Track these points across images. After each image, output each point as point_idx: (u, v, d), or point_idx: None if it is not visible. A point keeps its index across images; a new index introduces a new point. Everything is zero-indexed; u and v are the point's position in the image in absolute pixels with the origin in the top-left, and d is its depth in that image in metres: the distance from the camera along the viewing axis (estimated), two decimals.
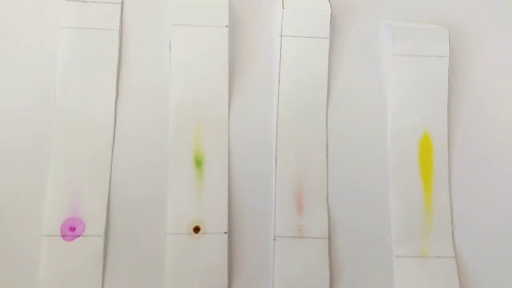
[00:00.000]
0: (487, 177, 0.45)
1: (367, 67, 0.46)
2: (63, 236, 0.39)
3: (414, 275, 0.42)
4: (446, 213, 0.43)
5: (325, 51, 0.44)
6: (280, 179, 0.42)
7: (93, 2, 0.43)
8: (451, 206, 0.44)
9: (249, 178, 0.42)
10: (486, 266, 0.43)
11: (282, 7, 0.44)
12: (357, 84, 0.45)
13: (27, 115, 0.42)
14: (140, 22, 0.44)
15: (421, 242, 0.42)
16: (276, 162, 0.43)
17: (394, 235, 0.42)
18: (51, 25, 0.43)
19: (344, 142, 0.44)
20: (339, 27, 0.46)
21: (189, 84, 0.43)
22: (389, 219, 0.43)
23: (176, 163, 0.41)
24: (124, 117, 0.42)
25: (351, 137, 0.44)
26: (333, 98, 0.45)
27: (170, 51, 0.43)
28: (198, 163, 0.42)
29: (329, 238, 0.42)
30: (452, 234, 0.43)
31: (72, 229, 0.40)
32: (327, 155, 0.43)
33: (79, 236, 0.40)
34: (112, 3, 0.44)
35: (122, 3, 0.44)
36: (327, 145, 0.44)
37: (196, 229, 0.40)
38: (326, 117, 0.44)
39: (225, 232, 0.41)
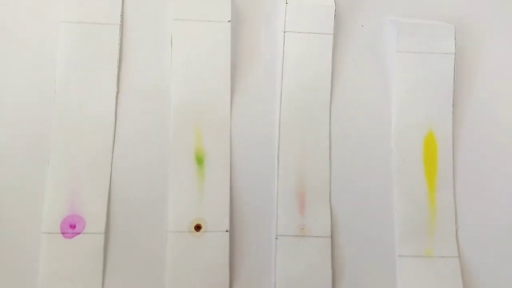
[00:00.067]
0: (492, 176, 0.44)
1: (372, 64, 0.45)
2: (63, 233, 0.39)
3: (417, 275, 0.41)
4: (450, 213, 0.43)
5: (329, 47, 0.44)
6: (282, 177, 0.42)
7: None
8: (455, 205, 0.43)
9: (251, 176, 0.42)
10: (490, 266, 0.43)
11: (286, 2, 0.44)
12: (361, 81, 0.45)
13: (27, 112, 0.41)
14: (141, 17, 0.44)
15: (425, 241, 0.42)
16: (278, 160, 0.42)
17: (398, 235, 0.42)
18: (51, 20, 0.42)
19: (347, 140, 0.44)
20: (343, 23, 0.45)
21: (191, 81, 0.42)
22: (391, 219, 0.43)
23: (177, 161, 0.41)
24: (124, 114, 0.42)
25: (354, 135, 0.44)
26: (337, 95, 0.44)
27: (171, 46, 0.43)
28: (200, 160, 0.41)
29: (331, 237, 0.42)
30: (456, 234, 0.43)
31: (72, 226, 0.39)
32: (330, 153, 0.43)
33: (79, 233, 0.39)
34: None
35: None
36: (330, 143, 0.43)
37: (198, 227, 0.40)
38: (329, 114, 0.44)
39: (226, 231, 0.40)
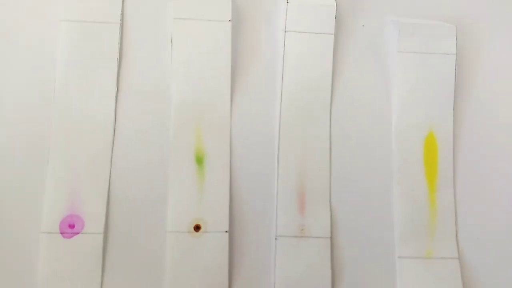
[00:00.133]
0: (492, 176, 0.44)
1: (372, 64, 0.45)
2: (62, 233, 0.39)
3: (417, 276, 0.41)
4: (450, 213, 0.43)
5: (329, 47, 0.44)
6: (282, 178, 0.42)
7: None
8: (455, 206, 0.43)
9: (250, 176, 0.42)
10: (490, 267, 0.43)
11: (287, 1, 0.44)
12: (362, 81, 0.45)
13: (27, 112, 0.41)
14: (142, 16, 0.44)
15: (426, 242, 0.42)
16: (278, 161, 0.42)
17: (398, 236, 0.42)
18: (51, 19, 0.42)
19: (347, 140, 0.44)
20: (344, 23, 0.45)
21: (191, 80, 0.42)
22: (391, 220, 0.43)
23: (177, 161, 0.41)
24: (124, 113, 0.42)
25: (355, 135, 0.44)
26: (337, 95, 0.44)
27: (171, 45, 0.43)
28: (199, 160, 0.41)
29: (331, 238, 0.42)
30: (456, 235, 0.43)
31: (71, 226, 0.39)
32: (330, 153, 0.43)
33: (78, 233, 0.39)
34: None
35: None
36: (330, 143, 0.43)
37: (197, 228, 0.40)
38: (330, 114, 0.44)
39: (226, 231, 0.40)
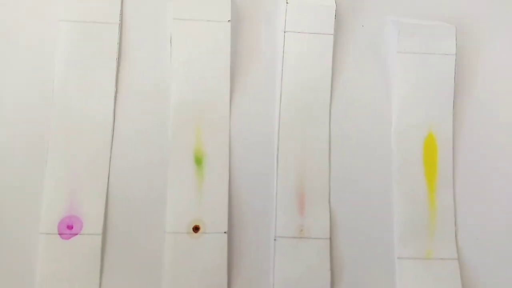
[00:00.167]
0: (492, 176, 0.44)
1: (372, 64, 0.45)
2: (60, 234, 0.39)
3: (416, 277, 0.41)
4: (450, 214, 0.43)
5: (329, 47, 0.44)
6: (282, 178, 0.42)
7: None
8: (455, 206, 0.43)
9: (250, 177, 0.42)
10: (489, 268, 0.43)
11: (286, 2, 0.44)
12: (362, 82, 0.45)
13: (26, 112, 0.41)
14: (141, 16, 0.44)
15: (425, 242, 0.42)
16: (277, 161, 0.42)
17: (397, 236, 0.42)
18: (50, 19, 0.42)
19: (347, 140, 0.44)
20: (344, 23, 0.45)
21: (190, 81, 0.42)
22: (391, 220, 0.43)
23: (176, 161, 0.41)
24: (123, 114, 0.42)
25: (354, 135, 0.44)
26: (337, 95, 0.44)
27: (171, 45, 0.43)
28: (198, 161, 0.41)
29: (330, 238, 0.41)
30: (455, 235, 0.43)
31: (70, 227, 0.39)
32: (329, 154, 0.43)
33: (76, 234, 0.39)
34: None
35: None
36: (329, 143, 0.43)
37: (196, 229, 0.40)
38: (330, 115, 0.43)
39: (225, 232, 0.40)
